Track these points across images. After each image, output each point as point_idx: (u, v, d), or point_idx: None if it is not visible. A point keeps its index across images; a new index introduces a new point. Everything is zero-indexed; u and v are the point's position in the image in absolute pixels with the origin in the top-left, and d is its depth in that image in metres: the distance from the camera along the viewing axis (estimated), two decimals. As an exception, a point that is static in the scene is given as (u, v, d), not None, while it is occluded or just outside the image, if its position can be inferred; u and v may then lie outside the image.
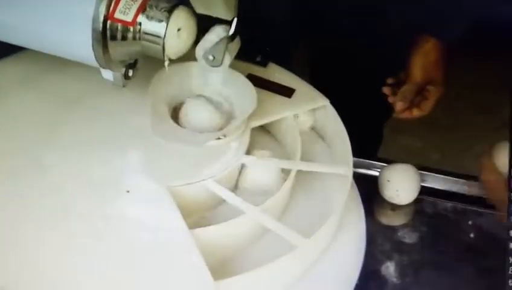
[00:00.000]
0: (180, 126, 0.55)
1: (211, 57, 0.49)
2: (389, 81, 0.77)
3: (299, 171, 0.56)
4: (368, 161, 0.71)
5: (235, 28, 0.47)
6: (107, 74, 0.49)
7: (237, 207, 0.50)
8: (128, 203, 0.48)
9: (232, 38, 0.48)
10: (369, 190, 0.67)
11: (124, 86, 0.50)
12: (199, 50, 0.48)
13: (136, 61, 0.50)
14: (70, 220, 0.47)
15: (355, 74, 0.87)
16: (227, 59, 0.50)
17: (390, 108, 0.94)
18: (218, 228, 0.48)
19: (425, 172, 0.68)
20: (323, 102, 0.63)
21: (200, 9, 0.46)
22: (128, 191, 0.49)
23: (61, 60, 0.53)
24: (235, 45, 0.51)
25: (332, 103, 0.95)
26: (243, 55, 0.67)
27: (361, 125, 0.93)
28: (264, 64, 0.67)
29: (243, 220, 0.49)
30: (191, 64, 0.56)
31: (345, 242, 0.54)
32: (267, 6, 0.81)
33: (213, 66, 0.50)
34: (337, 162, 0.59)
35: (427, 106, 0.75)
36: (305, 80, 0.66)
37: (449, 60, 0.75)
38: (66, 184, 0.49)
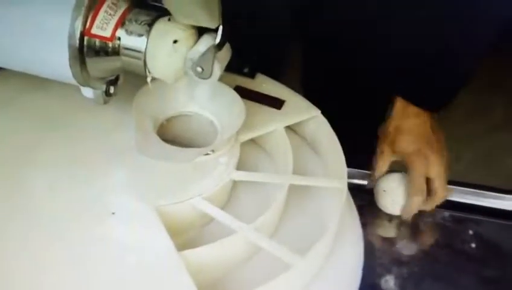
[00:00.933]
0: (167, 142, 0.53)
1: (199, 69, 0.47)
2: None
3: (292, 185, 0.54)
4: (363, 171, 0.69)
5: (223, 36, 0.45)
6: (87, 92, 0.47)
7: (228, 226, 0.48)
8: (113, 225, 0.46)
9: (219, 47, 0.46)
10: (365, 201, 0.66)
11: (105, 104, 0.48)
12: (188, 64, 0.46)
13: (117, 78, 0.48)
14: (48, 244, 0.44)
15: (352, 80, 0.85)
16: (217, 70, 0.48)
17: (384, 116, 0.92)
18: (208, 248, 0.46)
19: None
20: (315, 113, 0.61)
21: (183, 19, 0.43)
22: (113, 213, 0.47)
23: (43, 78, 0.51)
24: (225, 55, 0.49)
25: (327, 110, 0.94)
26: (229, 67, 0.66)
27: (356, 134, 0.91)
28: (252, 75, 0.65)
29: (234, 240, 0.47)
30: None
31: (342, 257, 0.51)
32: (263, 16, 0.79)
33: (203, 78, 0.47)
34: (331, 174, 0.57)
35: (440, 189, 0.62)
36: (299, 92, 0.64)
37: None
38: (46, 206, 0.47)
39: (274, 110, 0.61)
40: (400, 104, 0.66)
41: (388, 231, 0.63)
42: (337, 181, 0.53)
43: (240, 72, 0.65)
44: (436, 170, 0.62)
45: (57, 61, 0.43)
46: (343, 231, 0.53)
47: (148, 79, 0.46)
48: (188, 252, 0.45)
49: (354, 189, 0.66)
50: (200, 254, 0.46)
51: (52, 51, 0.43)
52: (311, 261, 0.47)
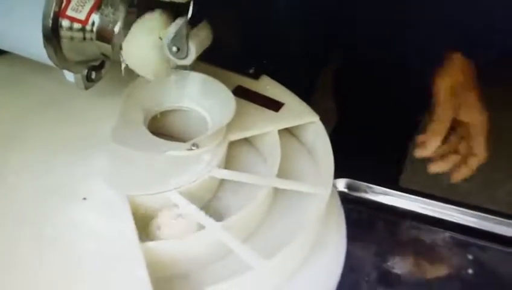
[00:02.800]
0: (160, 136, 0.53)
1: (174, 49, 0.46)
2: (420, 138, 0.62)
3: (281, 189, 0.53)
4: (384, 188, 0.66)
5: (197, 13, 0.44)
6: (69, 76, 0.47)
7: (198, 221, 0.47)
8: (82, 210, 0.46)
9: (191, 24, 0.45)
10: (364, 215, 0.63)
11: (86, 89, 0.48)
12: (163, 43, 0.45)
13: (102, 63, 0.49)
14: (18, 223, 0.45)
15: (380, 94, 0.83)
16: (193, 49, 0.47)
17: (415, 130, 0.89)
18: (173, 242, 0.45)
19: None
20: (312, 118, 0.59)
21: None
22: (84, 199, 0.47)
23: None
24: (204, 33, 0.48)
25: (354, 123, 0.91)
26: (236, 66, 0.66)
27: (384, 149, 0.88)
28: (256, 76, 0.64)
29: (201, 236, 0.46)
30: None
31: (317, 265, 0.50)
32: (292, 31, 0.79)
33: (180, 59, 0.47)
34: (320, 180, 0.55)
35: (480, 147, 0.60)
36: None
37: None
38: (21, 187, 0.48)
39: (271, 112, 0.59)
40: (458, 60, 0.61)
41: (384, 246, 0.60)
42: (319, 187, 0.51)
43: (244, 73, 0.65)
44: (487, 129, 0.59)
45: (33, 42, 0.44)
46: (324, 238, 0.51)
47: (123, 65, 0.46)
48: (151, 244, 0.45)
49: (356, 202, 0.64)
50: (164, 247, 0.45)
51: (29, 30, 0.44)
52: (276, 266, 0.45)
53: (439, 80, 0.62)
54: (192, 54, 0.47)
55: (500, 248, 0.57)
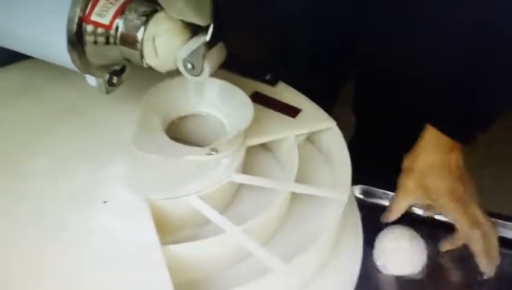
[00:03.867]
0: (178, 141, 0.53)
1: (189, 66, 0.47)
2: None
3: (298, 194, 0.53)
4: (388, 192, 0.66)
5: (215, 35, 0.45)
6: (91, 80, 0.48)
7: (218, 225, 0.48)
8: (103, 213, 0.47)
9: (210, 45, 0.46)
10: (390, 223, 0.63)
11: (107, 93, 0.49)
12: (178, 59, 0.47)
13: (123, 68, 0.49)
14: (41, 227, 0.46)
15: (399, 103, 0.83)
16: (208, 68, 0.48)
17: None
18: (194, 245, 0.46)
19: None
20: (329, 124, 0.60)
21: (174, 15, 0.44)
22: (105, 202, 0.47)
23: (66, 69, 0.53)
24: (219, 54, 0.49)
25: (373, 130, 0.92)
26: (252, 73, 0.66)
27: (400, 157, 0.89)
28: (273, 83, 0.65)
29: (221, 240, 0.47)
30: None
31: (335, 270, 0.50)
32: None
33: (193, 76, 0.48)
34: (336, 186, 0.55)
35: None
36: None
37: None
38: (43, 191, 0.48)
39: (288, 118, 0.60)
40: (431, 136, 0.61)
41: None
42: (337, 192, 0.52)
43: (261, 79, 0.65)
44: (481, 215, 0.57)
45: (57, 46, 0.45)
46: (342, 243, 0.52)
47: (146, 67, 0.47)
48: (172, 247, 0.45)
49: (375, 209, 0.64)
50: (185, 250, 0.46)
51: (52, 34, 0.45)
52: (296, 269, 0.46)
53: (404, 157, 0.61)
54: (206, 73, 0.49)
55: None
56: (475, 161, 0.66)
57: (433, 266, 0.57)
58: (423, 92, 0.67)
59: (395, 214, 0.60)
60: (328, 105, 0.61)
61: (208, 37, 0.45)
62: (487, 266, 0.56)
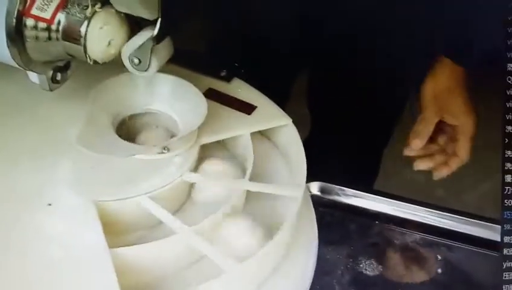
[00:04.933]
0: (129, 140, 0.52)
1: (136, 60, 0.46)
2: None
3: (253, 191, 0.52)
4: (358, 191, 0.66)
5: (162, 30, 0.44)
6: (34, 77, 0.46)
7: (169, 226, 0.46)
8: (47, 216, 0.45)
9: (157, 40, 0.44)
10: (337, 219, 0.63)
11: (51, 90, 0.47)
12: (124, 54, 0.45)
13: (68, 64, 0.47)
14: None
15: (355, 96, 0.83)
16: (155, 63, 0.46)
17: (389, 135, 0.89)
18: (143, 247, 0.44)
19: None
20: (285, 121, 0.59)
21: (121, 9, 0.43)
22: (49, 204, 0.45)
23: (7, 65, 0.50)
24: (167, 49, 0.47)
25: (328, 127, 0.91)
26: (207, 69, 0.65)
27: (358, 153, 0.89)
28: (228, 79, 0.64)
29: (172, 241, 0.45)
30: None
31: (290, 269, 0.49)
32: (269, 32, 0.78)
33: (140, 71, 0.46)
34: (292, 184, 0.54)
35: (462, 150, 0.63)
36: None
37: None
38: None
39: (243, 115, 0.59)
40: (446, 65, 0.63)
41: (354, 250, 0.60)
42: (292, 190, 0.51)
43: (216, 76, 0.64)
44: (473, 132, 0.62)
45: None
46: (297, 241, 0.51)
47: (90, 63, 0.45)
48: (120, 250, 0.44)
49: (328, 205, 0.64)
50: (134, 253, 0.44)
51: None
52: (250, 269, 0.45)
53: (425, 85, 0.64)
54: (154, 68, 0.47)
55: (468, 247, 0.58)
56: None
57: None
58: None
59: (421, 142, 0.62)
60: (280, 99, 0.61)
61: (155, 32, 0.44)
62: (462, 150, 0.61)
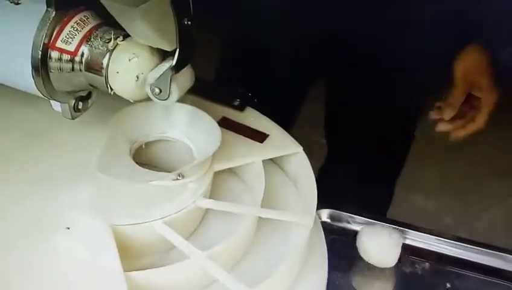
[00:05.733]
0: (145, 167, 0.53)
1: (157, 90, 0.47)
2: (437, 104, 0.74)
3: (264, 218, 0.53)
4: (368, 219, 0.67)
5: (181, 60, 0.46)
6: (56, 106, 0.48)
7: (182, 251, 0.48)
8: (65, 239, 0.46)
9: (176, 69, 0.46)
10: (348, 246, 0.63)
11: (73, 119, 0.49)
12: (147, 84, 0.47)
13: (89, 94, 0.49)
14: (3, 252, 0.45)
15: (369, 124, 0.85)
16: (175, 92, 0.48)
17: (402, 163, 0.91)
18: (156, 272, 0.46)
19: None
20: (296, 149, 0.60)
21: (141, 41, 0.45)
22: (68, 228, 0.47)
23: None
24: (187, 78, 0.49)
25: (342, 156, 0.93)
26: (220, 98, 0.67)
27: (371, 182, 0.90)
28: (241, 108, 0.66)
29: (185, 266, 0.46)
30: (156, 103, 0.55)
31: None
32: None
33: (161, 100, 0.48)
34: (303, 211, 0.56)
35: (481, 118, 0.72)
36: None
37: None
38: (6, 216, 0.48)
39: (256, 143, 0.60)
40: (477, 49, 0.71)
41: (365, 277, 0.60)
42: (303, 217, 0.52)
43: (230, 105, 0.66)
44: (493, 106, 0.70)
45: (21, 72, 0.45)
46: (307, 267, 0.52)
47: (111, 93, 0.47)
48: (134, 274, 0.45)
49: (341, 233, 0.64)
50: (147, 277, 0.45)
51: (17, 60, 0.44)
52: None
53: (456, 63, 0.72)
54: (174, 96, 0.49)
55: (477, 276, 0.58)
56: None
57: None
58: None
59: (453, 112, 0.71)
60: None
61: (174, 62, 0.46)
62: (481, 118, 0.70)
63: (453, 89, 0.72)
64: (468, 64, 0.71)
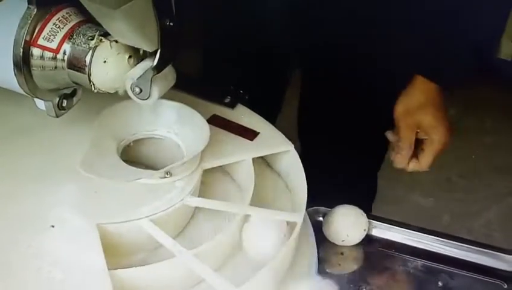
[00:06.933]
0: (133, 164, 0.53)
1: (137, 90, 0.47)
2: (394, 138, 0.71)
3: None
4: None
5: (163, 60, 0.45)
6: (40, 104, 0.47)
7: (169, 249, 0.47)
8: (49, 237, 0.46)
9: (157, 70, 0.46)
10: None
11: (57, 117, 0.48)
12: (127, 83, 0.46)
13: (74, 91, 0.49)
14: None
15: (352, 119, 0.84)
16: (156, 92, 0.48)
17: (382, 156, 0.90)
18: (142, 270, 0.45)
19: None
20: (287, 147, 0.60)
21: (122, 40, 0.44)
22: (52, 226, 0.46)
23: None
24: (168, 78, 0.49)
25: (325, 151, 0.92)
26: (212, 96, 0.66)
27: (352, 177, 0.89)
28: (232, 105, 0.65)
29: (171, 264, 0.46)
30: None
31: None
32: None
33: (141, 99, 0.48)
34: (292, 208, 0.55)
35: (424, 160, 0.68)
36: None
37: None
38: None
39: (246, 141, 0.60)
40: (420, 83, 0.68)
41: (355, 275, 0.60)
42: (292, 215, 0.51)
43: (221, 102, 0.65)
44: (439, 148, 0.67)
45: (4, 69, 0.44)
46: (296, 265, 0.51)
47: (94, 90, 0.46)
48: (119, 272, 0.44)
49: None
50: (133, 275, 0.45)
51: (0, 58, 0.44)
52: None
53: (397, 102, 0.68)
54: (154, 96, 0.49)
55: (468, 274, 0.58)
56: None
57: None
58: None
59: (408, 152, 0.68)
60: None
61: (155, 62, 0.45)
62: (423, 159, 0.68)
63: (398, 133, 0.68)
64: (410, 102, 0.67)
